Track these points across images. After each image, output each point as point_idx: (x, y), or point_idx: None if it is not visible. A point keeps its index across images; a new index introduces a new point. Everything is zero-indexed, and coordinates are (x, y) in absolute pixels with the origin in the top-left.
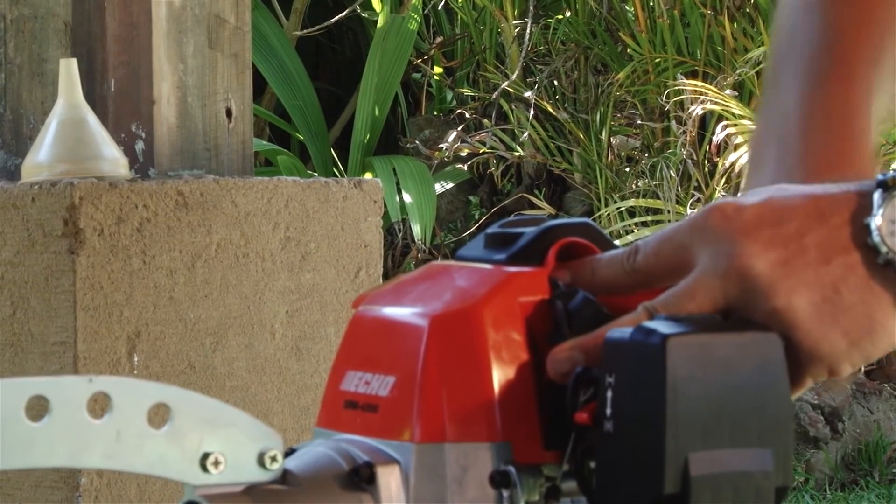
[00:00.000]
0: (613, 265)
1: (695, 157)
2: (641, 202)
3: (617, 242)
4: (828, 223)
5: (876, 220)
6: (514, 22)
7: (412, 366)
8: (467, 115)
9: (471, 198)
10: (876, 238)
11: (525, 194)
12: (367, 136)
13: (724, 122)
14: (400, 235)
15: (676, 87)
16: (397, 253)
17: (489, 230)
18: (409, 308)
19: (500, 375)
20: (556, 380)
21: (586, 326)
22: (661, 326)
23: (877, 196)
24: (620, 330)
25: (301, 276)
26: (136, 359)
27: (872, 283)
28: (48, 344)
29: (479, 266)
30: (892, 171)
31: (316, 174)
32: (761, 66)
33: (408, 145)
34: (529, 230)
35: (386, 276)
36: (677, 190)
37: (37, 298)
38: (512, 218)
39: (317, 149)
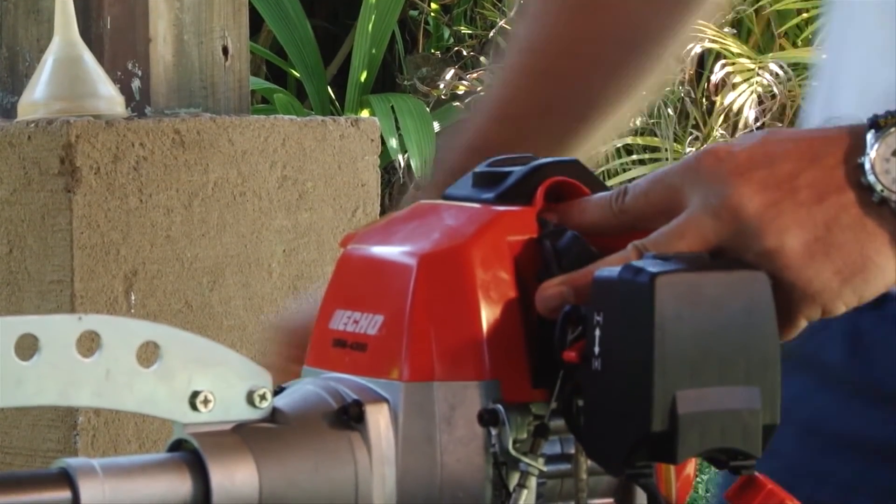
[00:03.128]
0: (602, 206)
1: (693, 96)
2: (639, 140)
3: (615, 180)
4: (821, 163)
5: (870, 159)
6: None
7: (400, 305)
8: (465, 53)
9: None
10: (870, 177)
11: None
12: (365, 75)
13: (723, 61)
14: (400, 173)
15: None
16: (395, 192)
17: (477, 169)
18: (398, 247)
19: (488, 314)
20: (545, 315)
21: (575, 265)
22: (650, 265)
23: (870, 135)
24: (609, 268)
25: (298, 214)
26: (133, 297)
27: (866, 221)
28: (45, 283)
29: (467, 205)
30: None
31: (313, 112)
32: (760, 3)
33: (405, 82)
34: (518, 169)
35: (383, 215)
36: (675, 128)
37: (33, 237)
38: (500, 157)
39: (314, 87)
